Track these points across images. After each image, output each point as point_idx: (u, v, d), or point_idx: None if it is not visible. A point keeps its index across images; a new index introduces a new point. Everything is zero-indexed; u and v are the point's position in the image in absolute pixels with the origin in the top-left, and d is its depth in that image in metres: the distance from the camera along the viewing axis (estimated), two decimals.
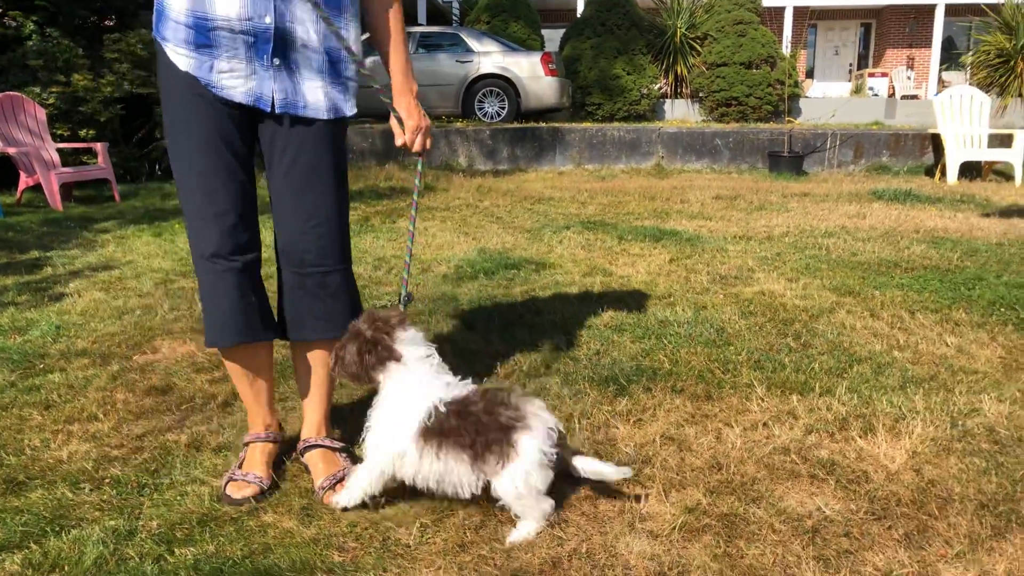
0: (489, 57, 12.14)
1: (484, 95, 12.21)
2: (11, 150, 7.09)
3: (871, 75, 19.30)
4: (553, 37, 17.41)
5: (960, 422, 2.33)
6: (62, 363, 2.89)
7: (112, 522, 1.80)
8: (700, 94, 14.57)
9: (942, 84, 18.45)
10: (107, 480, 2.02)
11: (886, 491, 1.94)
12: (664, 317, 3.41)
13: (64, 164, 7.76)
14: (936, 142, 9.87)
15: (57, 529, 1.77)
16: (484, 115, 12.24)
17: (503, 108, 12.16)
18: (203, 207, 1.85)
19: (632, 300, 3.73)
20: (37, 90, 8.16)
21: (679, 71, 14.84)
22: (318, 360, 2.07)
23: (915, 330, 3.23)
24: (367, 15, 1.99)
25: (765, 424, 2.34)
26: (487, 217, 6.47)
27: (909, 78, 20.47)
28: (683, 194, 7.89)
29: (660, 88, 14.75)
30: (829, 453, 2.15)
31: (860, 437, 2.24)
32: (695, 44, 14.67)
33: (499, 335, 3.19)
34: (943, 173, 9.42)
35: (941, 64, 18.94)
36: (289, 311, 2.02)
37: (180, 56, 1.79)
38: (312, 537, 1.76)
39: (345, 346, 1.85)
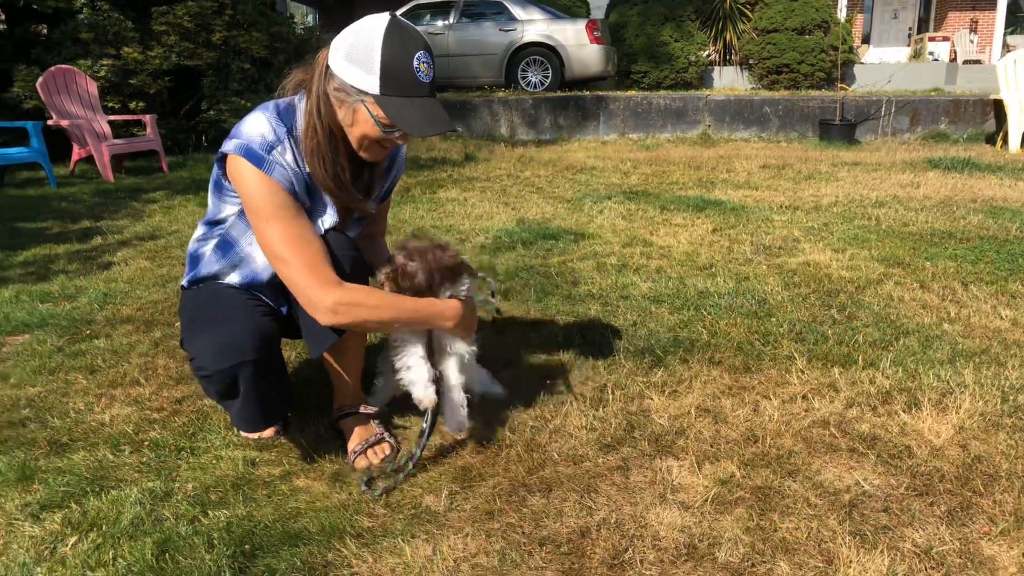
0: (533, 25, 11.97)
1: (527, 64, 12.07)
2: (64, 122, 7.25)
3: (932, 39, 18.52)
4: (599, 3, 17.08)
5: (1011, 397, 2.24)
6: (107, 329, 2.96)
7: (150, 484, 1.85)
8: (750, 61, 14.18)
9: (1007, 48, 17.63)
10: (146, 443, 2.06)
11: (929, 467, 1.88)
12: (704, 288, 3.35)
13: (115, 136, 7.92)
14: (998, 108, 9.46)
15: (97, 489, 1.82)
16: (527, 84, 12.11)
17: (547, 77, 12.01)
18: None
19: (672, 271, 3.66)
20: (88, 63, 8.31)
21: (728, 38, 14.46)
22: (350, 334, 2.06)
23: (967, 302, 3.11)
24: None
25: (804, 397, 2.28)
26: (527, 187, 6.42)
27: (972, 42, 19.57)
28: (729, 163, 7.71)
29: (708, 55, 14.41)
30: (870, 427, 2.09)
31: (904, 411, 2.17)
32: (745, 9, 14.25)
33: (535, 305, 3.17)
34: (1005, 140, 9.02)
35: (1006, 27, 18.09)
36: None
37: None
38: (342, 502, 1.78)
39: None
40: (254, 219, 1.78)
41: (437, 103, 1.74)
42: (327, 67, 1.73)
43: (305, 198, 1.84)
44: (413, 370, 1.91)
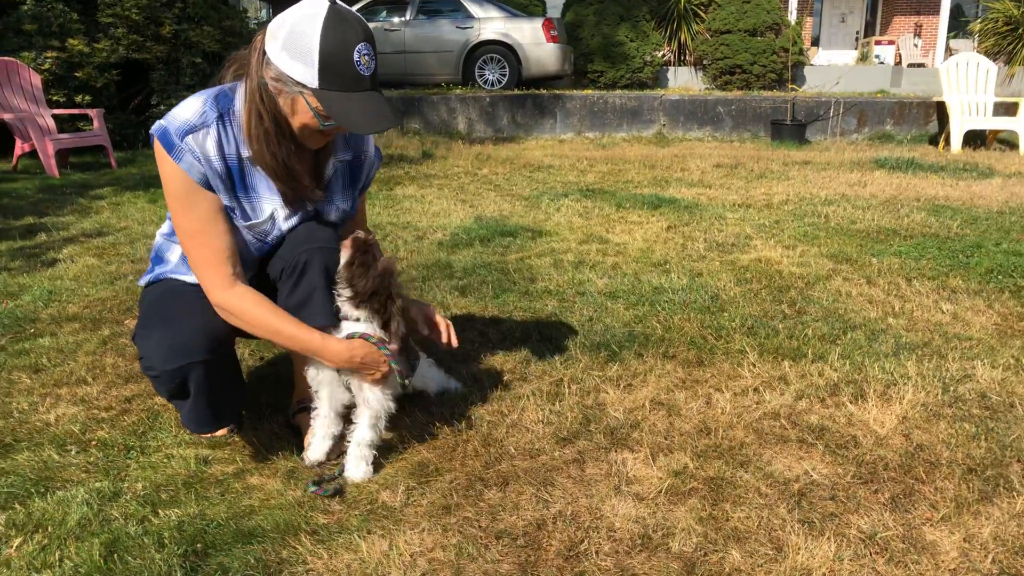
0: (490, 23, 11.96)
1: (485, 62, 12.05)
2: (6, 116, 7.02)
3: (878, 43, 19.01)
4: (555, 3, 17.13)
5: (952, 388, 2.31)
6: (53, 328, 2.88)
7: (97, 484, 1.80)
8: (704, 61, 14.37)
9: (949, 52, 18.16)
10: (94, 443, 2.01)
11: (874, 456, 1.93)
12: (659, 284, 3.39)
13: (60, 130, 7.69)
14: (941, 110, 9.76)
15: (42, 490, 1.77)
16: (485, 82, 12.09)
17: (504, 75, 12.01)
18: None
19: (627, 267, 3.70)
20: (32, 55, 8.06)
21: (683, 38, 14.63)
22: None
23: (911, 297, 3.21)
24: None
25: (756, 389, 2.33)
26: (485, 185, 6.42)
27: (916, 46, 20.15)
28: (683, 162, 7.82)
29: (663, 55, 14.56)
30: (819, 418, 2.14)
31: (851, 403, 2.23)
32: (699, 10, 14.43)
33: (493, 302, 3.17)
34: (947, 142, 9.31)
35: (949, 32, 18.63)
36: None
37: None
38: (297, 499, 1.76)
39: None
40: (167, 200, 1.76)
41: (379, 96, 1.68)
42: (264, 53, 1.66)
43: (228, 187, 1.77)
44: (314, 427, 1.93)
